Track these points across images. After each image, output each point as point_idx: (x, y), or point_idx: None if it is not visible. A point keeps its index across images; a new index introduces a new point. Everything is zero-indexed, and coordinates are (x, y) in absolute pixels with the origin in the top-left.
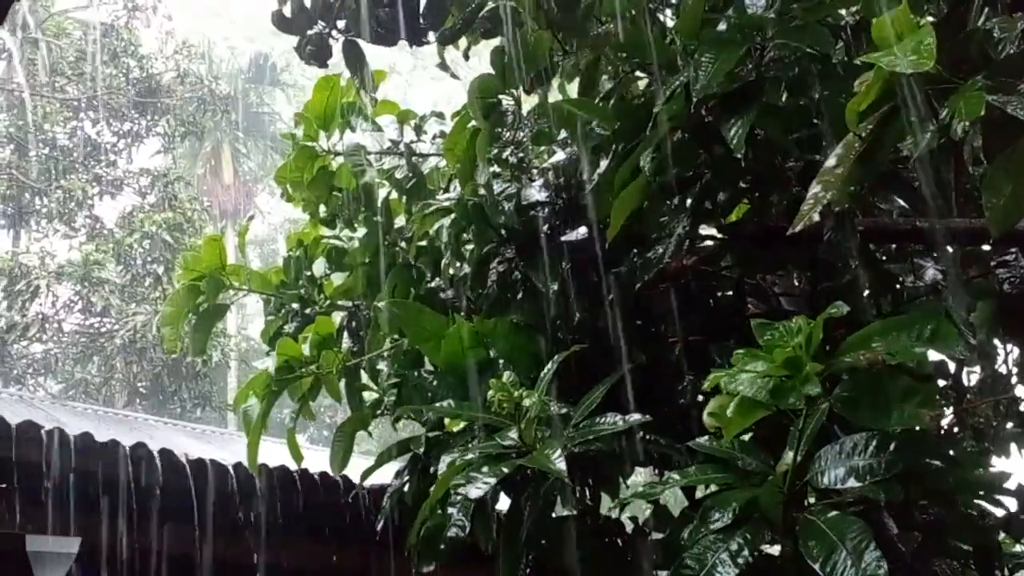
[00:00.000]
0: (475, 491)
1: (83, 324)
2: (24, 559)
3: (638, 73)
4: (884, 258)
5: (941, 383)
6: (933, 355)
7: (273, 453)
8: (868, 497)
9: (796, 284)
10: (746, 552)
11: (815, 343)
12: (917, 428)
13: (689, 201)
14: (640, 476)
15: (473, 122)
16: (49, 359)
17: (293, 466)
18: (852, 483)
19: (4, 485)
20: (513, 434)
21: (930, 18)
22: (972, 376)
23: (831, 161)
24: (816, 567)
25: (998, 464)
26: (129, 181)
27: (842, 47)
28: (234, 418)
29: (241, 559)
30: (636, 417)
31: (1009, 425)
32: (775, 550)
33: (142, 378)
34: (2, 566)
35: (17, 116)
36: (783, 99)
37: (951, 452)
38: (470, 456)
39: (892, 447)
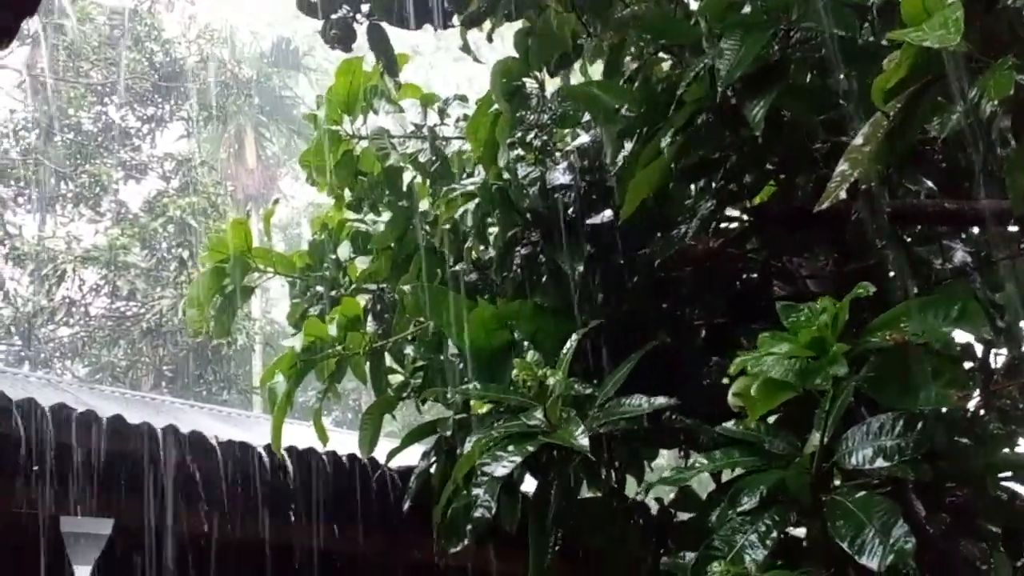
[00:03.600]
0: (500, 470)
1: (109, 308)
2: (59, 540)
3: (662, 55)
4: (912, 240)
5: (968, 365)
6: (960, 337)
7: (299, 435)
8: (896, 478)
9: (823, 266)
10: (774, 533)
11: (841, 324)
12: (944, 408)
13: (714, 183)
14: (664, 459)
15: (496, 106)
16: (76, 343)
17: (320, 448)
18: (880, 463)
19: (37, 467)
20: (538, 414)
21: None
22: (999, 358)
23: (858, 139)
24: (844, 546)
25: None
26: (153, 166)
27: (868, 28)
28: (259, 401)
29: (270, 540)
30: (661, 400)
31: None
32: (802, 532)
33: (168, 361)
34: (37, 547)
35: (42, 101)
36: (809, 80)
37: (978, 434)
38: (495, 435)
39: (919, 427)
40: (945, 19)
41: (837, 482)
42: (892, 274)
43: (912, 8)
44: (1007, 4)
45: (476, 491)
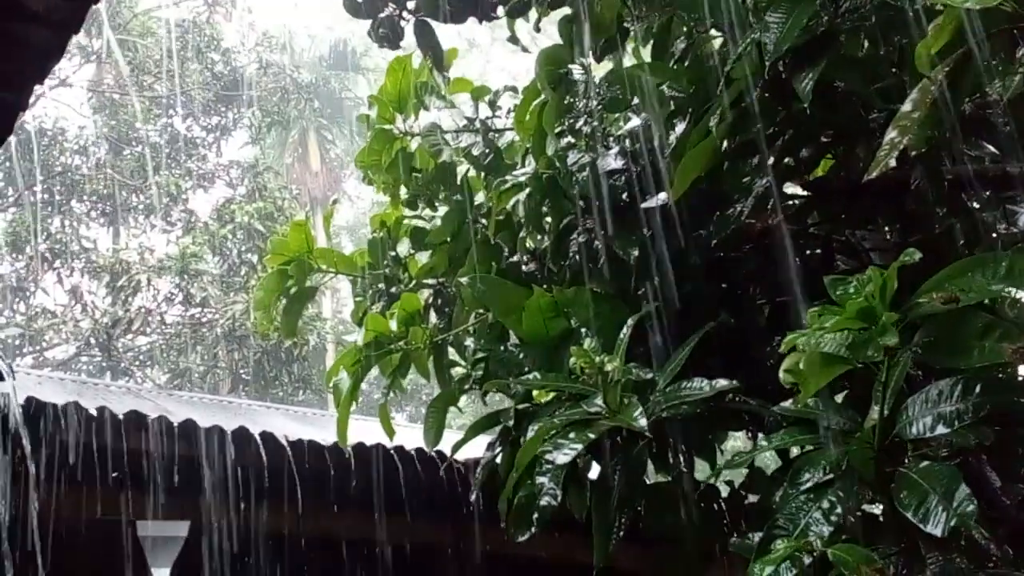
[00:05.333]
0: (562, 457)
1: (184, 315)
2: (137, 544)
3: (712, 33)
4: (976, 206)
5: None
6: None
7: (372, 432)
8: (966, 448)
9: (886, 238)
10: (839, 509)
11: (890, 292)
12: (1003, 371)
13: (770, 160)
14: (738, 441)
15: (543, 95)
16: (154, 351)
17: (389, 443)
18: (941, 430)
19: (116, 473)
20: (598, 400)
21: None
22: None
23: (907, 106)
24: (909, 516)
25: None
26: (220, 173)
27: None
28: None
29: (341, 536)
30: (723, 382)
31: None
32: (878, 510)
33: (244, 364)
34: (116, 552)
35: (109, 116)
36: (863, 49)
37: None
38: (556, 423)
39: (977, 390)
40: None
41: (908, 454)
42: (960, 242)
43: None
44: None
45: (541, 479)
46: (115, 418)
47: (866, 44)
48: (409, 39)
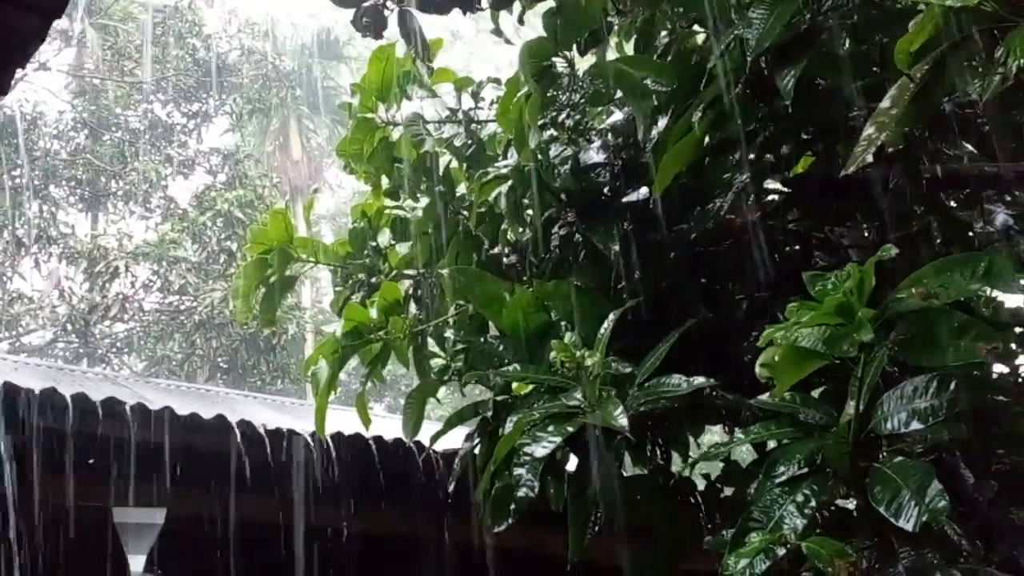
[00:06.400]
0: (540, 450)
1: (162, 302)
2: (112, 531)
3: (696, 28)
4: (954, 205)
5: (1017, 330)
6: (1012, 303)
7: (349, 421)
8: (940, 445)
9: (865, 236)
10: (813, 503)
11: (867, 288)
12: (977, 369)
13: (751, 156)
14: (715, 435)
15: (526, 87)
16: (131, 338)
17: (367, 433)
18: (915, 426)
19: (91, 460)
20: (578, 394)
21: None
22: None
23: (885, 103)
24: (882, 510)
25: None
26: (200, 160)
27: None
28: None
29: (317, 524)
30: (700, 380)
31: None
32: (852, 504)
33: (221, 353)
34: (92, 538)
35: (89, 101)
36: (845, 47)
37: None
38: (534, 415)
39: (952, 387)
40: None
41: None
42: (937, 240)
43: None
44: None
45: (518, 471)
46: (92, 404)
47: (848, 42)
48: (393, 29)
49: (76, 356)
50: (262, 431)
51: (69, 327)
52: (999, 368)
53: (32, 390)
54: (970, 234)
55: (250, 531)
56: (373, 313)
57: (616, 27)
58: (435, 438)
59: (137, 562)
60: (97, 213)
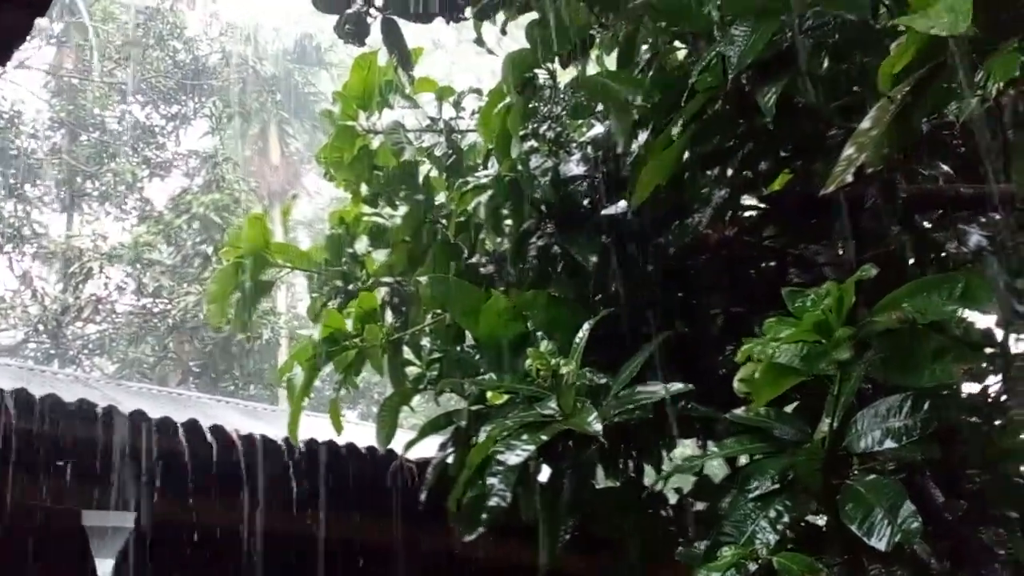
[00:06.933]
0: (514, 458)
1: (136, 305)
2: (81, 534)
3: (677, 44)
4: (930, 225)
5: (988, 351)
6: (982, 323)
7: (322, 428)
8: (911, 463)
9: (840, 254)
10: (786, 518)
11: (846, 307)
12: (950, 387)
13: (729, 171)
14: (688, 449)
15: (508, 98)
16: (104, 340)
17: (341, 440)
18: (888, 444)
19: (61, 462)
20: (552, 403)
21: None
22: (1021, 344)
23: (865, 123)
24: (854, 528)
25: None
26: (178, 163)
27: (885, 13)
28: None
29: (289, 531)
30: (677, 386)
31: None
32: (823, 521)
33: (194, 357)
34: (60, 541)
35: (67, 101)
36: (824, 66)
37: (998, 421)
38: (509, 424)
39: (926, 407)
40: (953, 5)
41: (855, 466)
42: (911, 261)
43: None
44: None
45: (491, 480)
46: (63, 406)
47: (827, 62)
48: (375, 37)
49: (47, 357)
50: (235, 436)
51: (41, 327)
52: (969, 388)
53: (2, 390)
54: (944, 255)
55: (221, 536)
56: (349, 321)
57: (598, 41)
58: (408, 446)
59: (105, 566)
60: (72, 214)
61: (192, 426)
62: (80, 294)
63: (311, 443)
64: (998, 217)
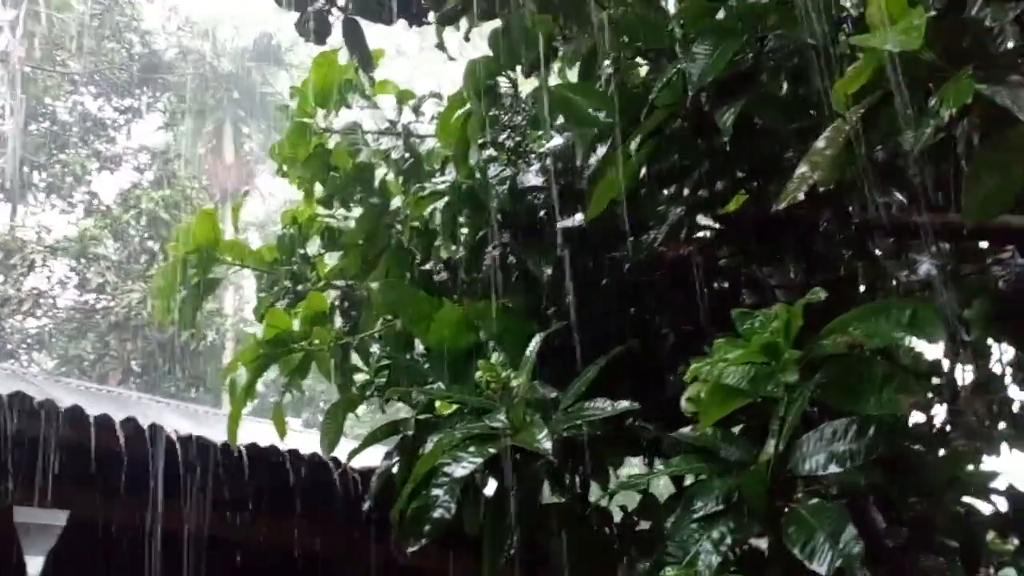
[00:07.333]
0: (460, 470)
1: (78, 300)
2: (12, 530)
3: (639, 60)
4: (881, 253)
5: (935, 381)
6: (930, 353)
7: (264, 434)
8: (855, 489)
9: (792, 277)
10: (729, 540)
11: (794, 330)
12: (898, 414)
13: (685, 189)
14: (634, 468)
15: (468, 104)
16: (43, 335)
17: (283, 446)
18: (832, 469)
19: None
20: (501, 416)
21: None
22: (966, 374)
23: (820, 143)
24: (796, 551)
25: (989, 463)
26: (128, 157)
27: (846, 39)
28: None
29: (227, 536)
30: (625, 404)
31: (1002, 425)
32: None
33: (136, 356)
34: None
35: (17, 89)
36: (784, 89)
37: (942, 451)
38: (457, 436)
39: (871, 432)
40: (907, 25)
41: (799, 490)
42: (861, 286)
43: (877, 15)
44: (970, 16)
45: (436, 491)
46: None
47: (786, 84)
48: (336, 36)
49: None
50: (173, 436)
51: None
52: (916, 417)
53: None
54: (895, 283)
55: (156, 539)
56: (297, 323)
57: (561, 52)
58: (353, 454)
59: (35, 563)
60: (16, 204)
61: (130, 424)
62: (21, 287)
63: (252, 447)
64: (949, 247)
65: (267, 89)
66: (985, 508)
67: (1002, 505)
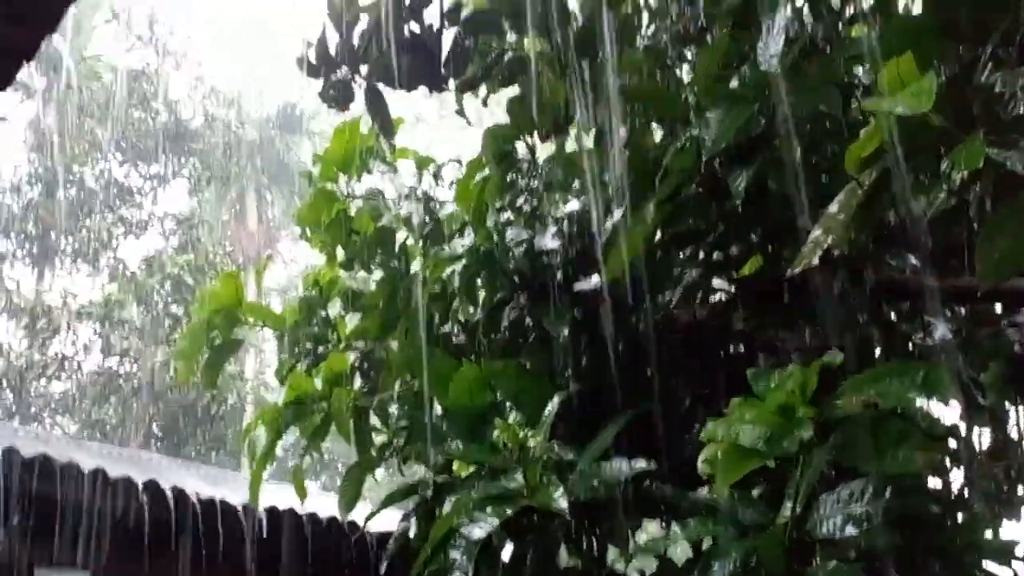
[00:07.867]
0: (477, 532)
1: (102, 365)
2: None
3: (653, 125)
4: (896, 316)
5: (952, 445)
6: (947, 419)
7: (284, 497)
8: (875, 551)
9: (807, 341)
10: None
11: (810, 390)
12: (914, 475)
13: (701, 253)
14: (652, 531)
15: (487, 170)
16: (67, 398)
17: (302, 508)
18: (850, 530)
19: (18, 518)
20: (518, 476)
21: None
22: (983, 439)
23: (833, 207)
24: None
25: (1009, 528)
26: (153, 223)
27: (857, 106)
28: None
29: None
30: (642, 463)
31: (1020, 489)
32: None
33: (158, 419)
34: None
35: (46, 157)
36: (797, 155)
37: (960, 515)
38: (474, 496)
39: (888, 493)
40: (917, 88)
41: (818, 552)
42: (877, 351)
43: (890, 80)
44: (981, 82)
45: (453, 554)
46: (23, 461)
47: (799, 150)
48: (358, 105)
49: (8, 413)
50: (194, 499)
51: (4, 383)
52: (933, 481)
53: None
54: (911, 346)
55: None
56: (318, 383)
57: (577, 118)
58: (370, 517)
59: None
60: (44, 269)
61: (152, 487)
62: (46, 351)
63: (272, 510)
64: (964, 311)
65: (291, 157)
66: (1005, 573)
67: (1022, 571)
